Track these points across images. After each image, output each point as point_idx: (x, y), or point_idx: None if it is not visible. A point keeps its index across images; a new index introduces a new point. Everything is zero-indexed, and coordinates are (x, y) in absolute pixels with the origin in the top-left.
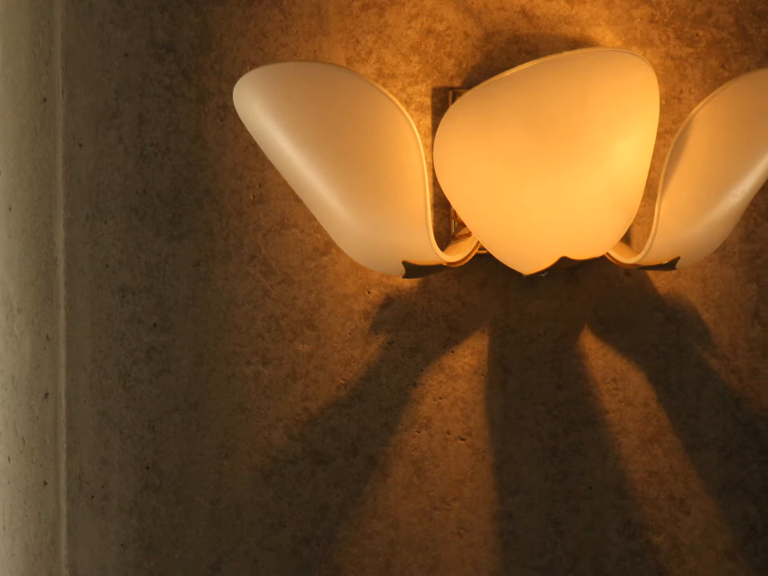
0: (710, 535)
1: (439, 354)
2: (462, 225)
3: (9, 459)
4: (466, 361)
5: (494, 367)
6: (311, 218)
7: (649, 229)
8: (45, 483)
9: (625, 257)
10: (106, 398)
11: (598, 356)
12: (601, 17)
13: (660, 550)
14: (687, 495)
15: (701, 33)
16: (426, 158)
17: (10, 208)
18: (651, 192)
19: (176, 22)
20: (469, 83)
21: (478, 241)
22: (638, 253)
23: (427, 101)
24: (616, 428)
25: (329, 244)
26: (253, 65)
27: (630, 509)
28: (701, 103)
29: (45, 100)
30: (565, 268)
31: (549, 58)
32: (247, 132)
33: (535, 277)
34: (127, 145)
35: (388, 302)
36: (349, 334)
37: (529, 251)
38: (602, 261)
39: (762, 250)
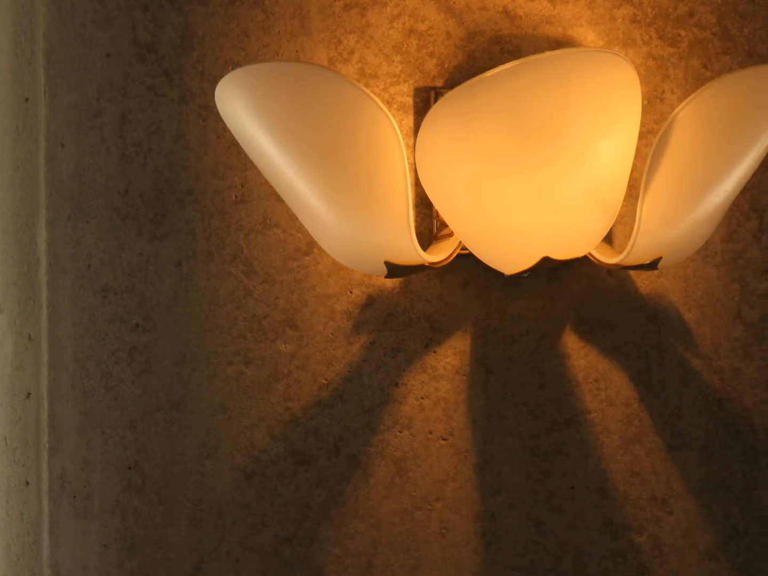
0: (692, 535)
1: (421, 354)
2: (444, 225)
3: None
4: (448, 361)
5: (476, 367)
6: (293, 218)
7: (631, 229)
8: (27, 483)
9: (607, 257)
10: (89, 398)
11: (580, 356)
12: (583, 17)
13: (642, 550)
14: (669, 495)
15: (683, 33)
16: (408, 158)
17: None
18: (633, 192)
19: (158, 22)
20: (451, 83)
21: (460, 241)
22: (620, 253)
23: (409, 101)
24: (598, 428)
25: (311, 244)
26: (235, 65)
27: (612, 509)
28: (683, 103)
29: (27, 100)
30: (547, 268)
31: (531, 58)
32: (229, 132)
33: (517, 277)
34: (109, 145)
35: (370, 302)
36: (331, 334)
37: (511, 251)
38: (584, 261)
39: (744, 250)
